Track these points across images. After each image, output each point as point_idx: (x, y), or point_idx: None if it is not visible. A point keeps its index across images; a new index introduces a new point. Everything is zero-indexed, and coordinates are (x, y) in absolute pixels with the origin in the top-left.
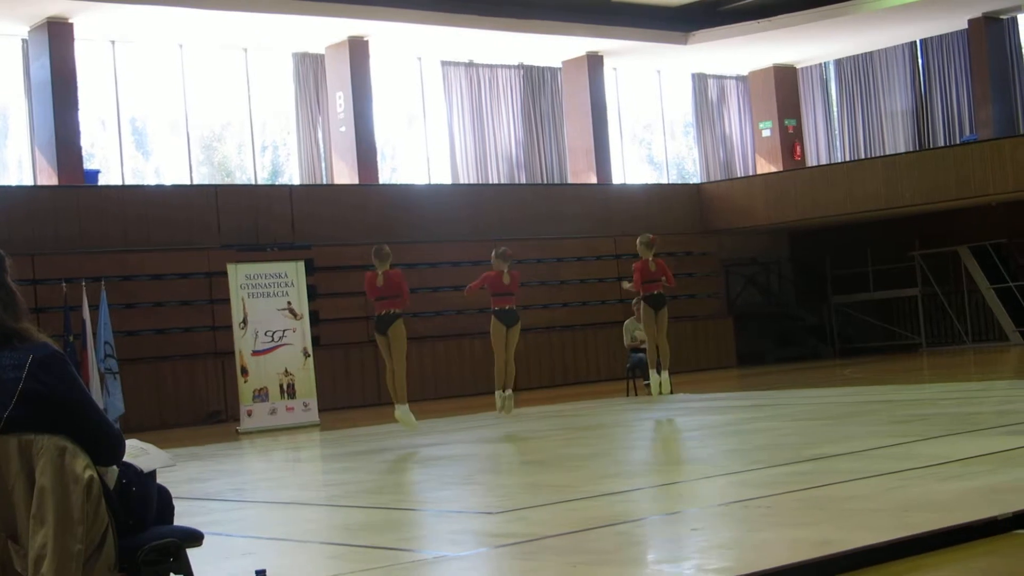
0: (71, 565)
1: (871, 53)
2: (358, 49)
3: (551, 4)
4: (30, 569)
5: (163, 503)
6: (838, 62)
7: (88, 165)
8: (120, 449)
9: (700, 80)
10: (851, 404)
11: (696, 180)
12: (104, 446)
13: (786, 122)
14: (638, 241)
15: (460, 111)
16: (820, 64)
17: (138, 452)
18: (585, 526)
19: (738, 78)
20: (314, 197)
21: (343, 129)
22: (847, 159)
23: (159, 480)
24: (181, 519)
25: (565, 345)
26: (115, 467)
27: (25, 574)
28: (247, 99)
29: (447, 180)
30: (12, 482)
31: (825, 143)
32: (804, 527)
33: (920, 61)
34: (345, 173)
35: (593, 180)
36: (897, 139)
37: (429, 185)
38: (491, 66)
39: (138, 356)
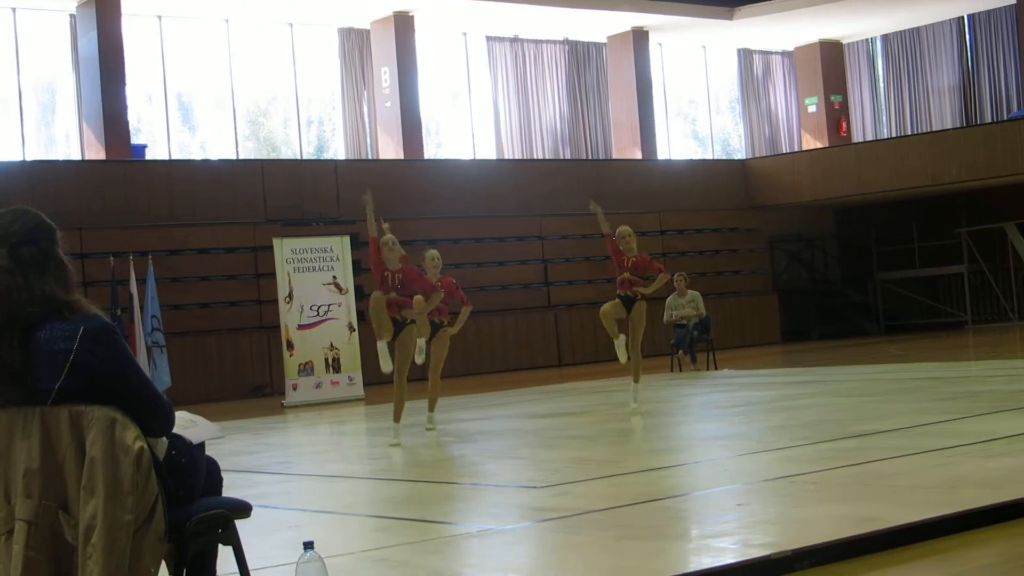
0: (121, 535)
1: (918, 28)
2: (404, 24)
3: None
4: (80, 539)
5: (212, 475)
6: (885, 37)
7: (135, 140)
8: (170, 421)
9: (746, 56)
10: (897, 381)
11: (741, 156)
12: (154, 417)
13: (832, 98)
14: (627, 234)
15: (505, 86)
16: (867, 39)
17: (187, 424)
18: (630, 501)
19: (784, 53)
20: (359, 172)
21: (388, 104)
22: (893, 135)
23: (207, 452)
24: (228, 491)
25: None
26: (165, 439)
27: (75, 544)
28: (293, 74)
29: (492, 155)
30: (63, 453)
31: (871, 119)
32: (850, 503)
33: (968, 36)
34: (390, 148)
35: (638, 156)
36: (944, 115)
37: (474, 160)
38: (536, 41)
39: (184, 330)
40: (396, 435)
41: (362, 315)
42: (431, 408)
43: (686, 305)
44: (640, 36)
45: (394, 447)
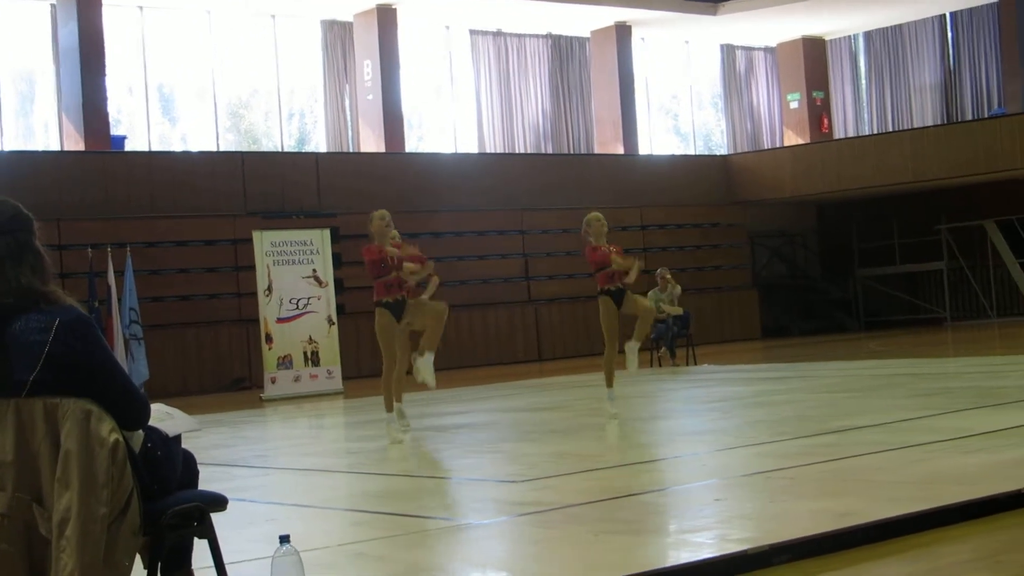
0: (95, 528)
1: (901, 26)
2: (386, 17)
3: None
4: (54, 532)
5: (188, 468)
6: (867, 34)
7: (115, 131)
8: (146, 413)
9: (728, 51)
10: (876, 377)
11: (723, 152)
12: (130, 410)
13: (814, 94)
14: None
15: (488, 80)
16: (849, 36)
17: (163, 416)
18: (608, 495)
19: (766, 50)
20: (340, 165)
21: (370, 97)
22: (875, 132)
23: (184, 445)
24: (205, 485)
25: (589, 315)
26: (140, 431)
27: (50, 537)
28: (274, 66)
29: (474, 150)
30: (37, 445)
31: (853, 116)
32: (828, 498)
33: (950, 34)
34: (372, 142)
35: (620, 151)
36: (925, 112)
37: (456, 154)
38: (519, 36)
39: (163, 322)
40: (399, 427)
41: (342, 308)
42: (424, 352)
43: (667, 300)
44: (623, 31)
45: (396, 444)
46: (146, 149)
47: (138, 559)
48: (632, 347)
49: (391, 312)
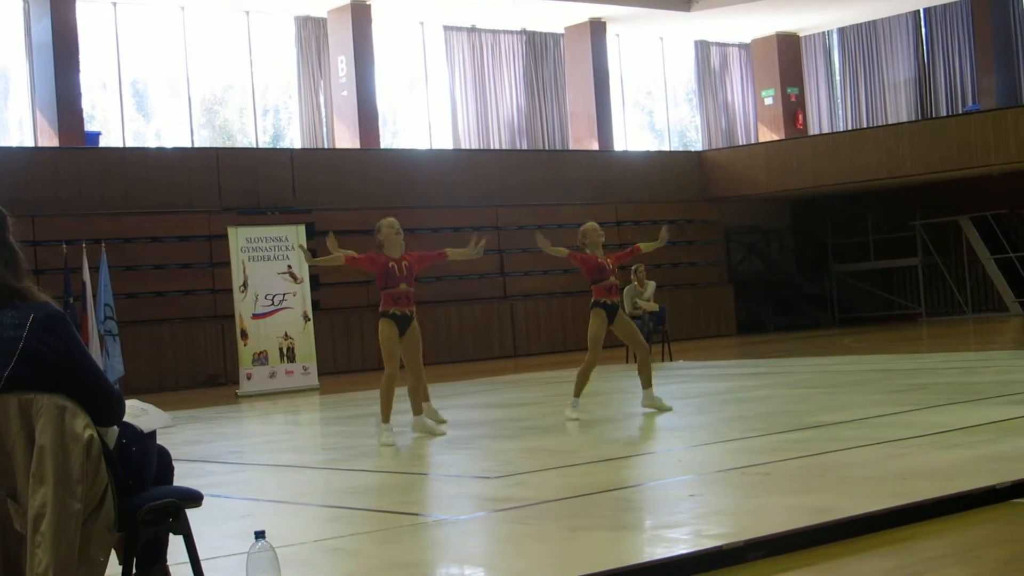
0: (70, 524)
1: (875, 22)
2: (360, 13)
3: None
4: (29, 528)
5: (163, 464)
6: (841, 30)
7: (89, 127)
8: (120, 409)
9: (703, 47)
10: (851, 373)
11: (698, 148)
12: (104, 406)
13: (788, 90)
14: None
15: (462, 76)
16: (823, 32)
17: (138, 412)
18: (584, 491)
19: (741, 46)
20: (315, 161)
21: (345, 93)
22: (849, 128)
23: (159, 441)
24: (180, 481)
25: (565, 311)
26: (115, 427)
27: (24, 533)
28: (249, 62)
29: (448, 145)
30: (12, 441)
31: (827, 112)
32: (803, 494)
33: (924, 30)
34: (346, 137)
35: (595, 147)
36: (900, 108)
37: (430, 150)
38: (493, 31)
39: (138, 318)
40: (436, 420)
41: (317, 304)
42: (426, 399)
43: (643, 296)
44: (597, 27)
45: (387, 447)
46: (120, 145)
47: (113, 555)
48: (649, 395)
49: (396, 323)
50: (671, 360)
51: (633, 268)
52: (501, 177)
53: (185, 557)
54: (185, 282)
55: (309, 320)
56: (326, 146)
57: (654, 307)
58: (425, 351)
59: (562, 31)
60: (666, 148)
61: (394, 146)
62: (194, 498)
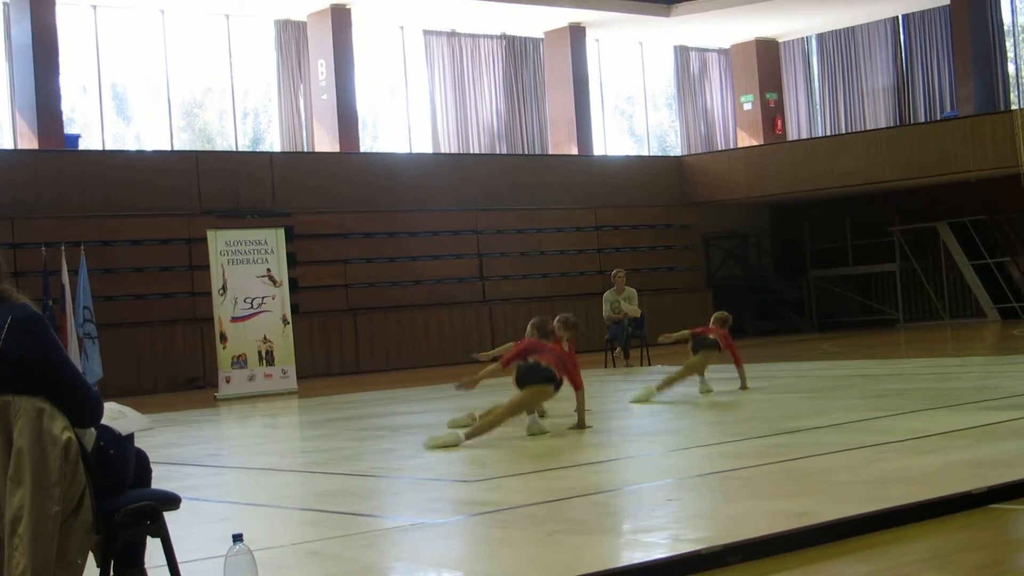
0: (48, 526)
1: (853, 28)
2: (340, 17)
3: None
4: (7, 530)
5: (141, 466)
6: (820, 36)
7: (68, 130)
8: (98, 411)
9: (682, 53)
10: (829, 378)
11: (677, 153)
12: (83, 408)
13: (767, 96)
14: (563, 322)
15: (442, 81)
16: (802, 38)
17: (116, 415)
18: (561, 496)
19: (720, 51)
20: (295, 165)
21: (324, 97)
22: (828, 134)
23: (137, 444)
24: (158, 484)
25: (544, 315)
26: (93, 429)
27: (2, 535)
28: (228, 66)
29: (428, 149)
30: None
31: (806, 117)
32: (781, 499)
33: (902, 37)
34: (326, 141)
35: (574, 152)
36: (878, 114)
37: (410, 154)
38: (473, 36)
39: (117, 321)
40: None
41: (296, 308)
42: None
43: (623, 301)
44: (577, 32)
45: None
46: (100, 148)
47: (91, 557)
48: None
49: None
50: (650, 364)
51: (613, 272)
52: (481, 181)
53: (163, 560)
54: (164, 285)
55: (288, 323)
56: (306, 150)
57: (636, 313)
58: (404, 354)
59: (542, 36)
60: (645, 153)
61: (374, 150)
62: (172, 501)
